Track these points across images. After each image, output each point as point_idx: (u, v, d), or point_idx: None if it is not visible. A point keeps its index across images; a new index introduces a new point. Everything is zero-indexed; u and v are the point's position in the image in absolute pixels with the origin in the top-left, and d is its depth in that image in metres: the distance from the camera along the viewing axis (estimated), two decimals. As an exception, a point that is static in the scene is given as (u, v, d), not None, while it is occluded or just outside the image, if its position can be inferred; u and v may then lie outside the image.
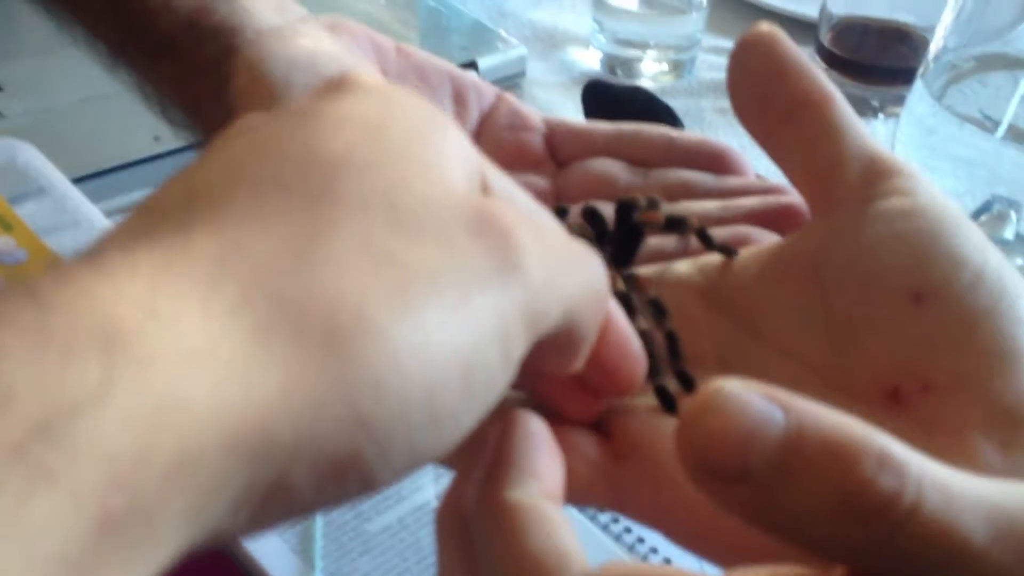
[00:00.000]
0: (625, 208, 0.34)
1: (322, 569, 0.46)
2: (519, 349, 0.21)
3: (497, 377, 0.21)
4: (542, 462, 0.24)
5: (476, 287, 0.20)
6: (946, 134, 0.64)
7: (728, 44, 0.87)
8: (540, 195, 0.41)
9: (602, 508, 0.29)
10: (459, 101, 0.45)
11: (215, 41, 0.40)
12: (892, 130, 0.73)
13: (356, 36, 0.43)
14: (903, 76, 0.78)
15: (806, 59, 0.31)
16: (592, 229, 0.35)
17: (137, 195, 0.67)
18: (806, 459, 0.20)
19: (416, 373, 0.19)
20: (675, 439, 0.21)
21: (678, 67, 0.84)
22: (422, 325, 0.19)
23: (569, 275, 0.23)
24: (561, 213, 0.36)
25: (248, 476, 0.17)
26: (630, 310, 0.31)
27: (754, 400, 0.21)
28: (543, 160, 0.44)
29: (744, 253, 0.33)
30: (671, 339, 0.32)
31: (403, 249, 0.20)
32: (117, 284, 0.17)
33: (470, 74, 0.45)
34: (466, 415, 0.21)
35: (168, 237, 0.19)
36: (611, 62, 0.84)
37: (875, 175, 0.29)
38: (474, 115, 0.45)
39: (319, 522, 0.47)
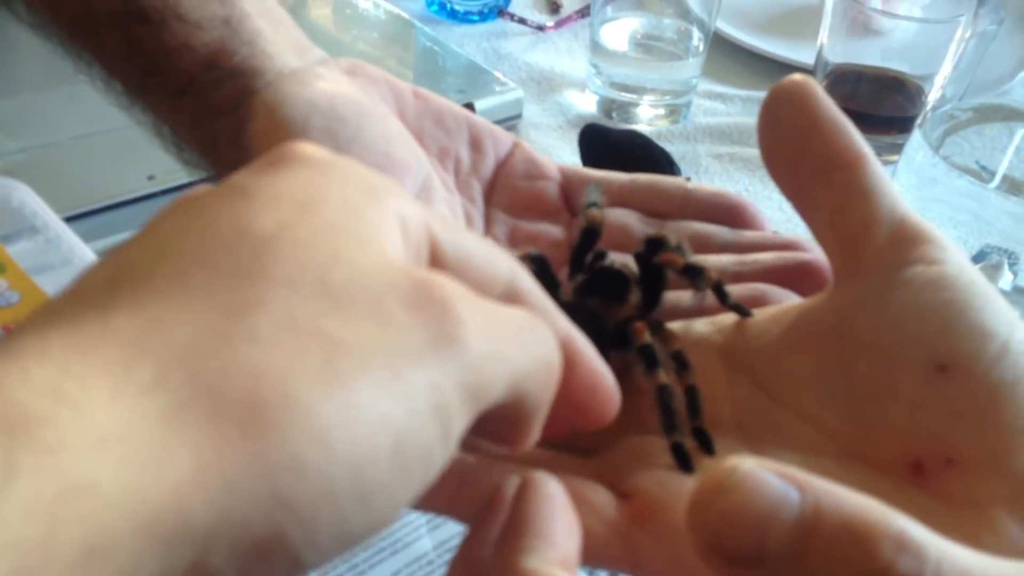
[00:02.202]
0: (654, 245, 0.34)
1: (316, 623, 0.45)
2: (459, 423, 0.21)
3: (435, 451, 0.21)
4: (559, 529, 0.24)
5: (409, 361, 0.20)
6: (944, 184, 0.64)
7: (724, 89, 0.88)
8: (555, 245, 0.41)
9: (617, 570, 0.28)
10: (476, 147, 0.44)
11: (234, 82, 0.40)
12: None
13: (375, 80, 0.42)
14: (898, 124, 0.78)
15: (840, 114, 0.31)
16: (637, 269, 0.35)
17: (129, 235, 0.67)
18: (824, 541, 0.20)
19: (342, 450, 0.19)
20: (687, 518, 0.20)
21: (674, 112, 0.84)
22: (349, 402, 0.19)
23: (517, 347, 0.23)
24: (599, 257, 0.36)
25: (164, 560, 0.17)
26: (652, 362, 0.31)
27: (769, 480, 0.20)
28: (558, 209, 0.44)
29: (761, 314, 0.33)
30: (691, 394, 0.31)
31: (333, 325, 0.19)
32: (25, 369, 0.17)
33: (487, 121, 0.45)
34: (400, 491, 0.20)
35: (86, 319, 0.18)
36: (607, 105, 0.84)
37: (904, 241, 0.29)
38: (490, 162, 0.45)
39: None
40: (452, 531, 0.48)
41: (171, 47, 0.41)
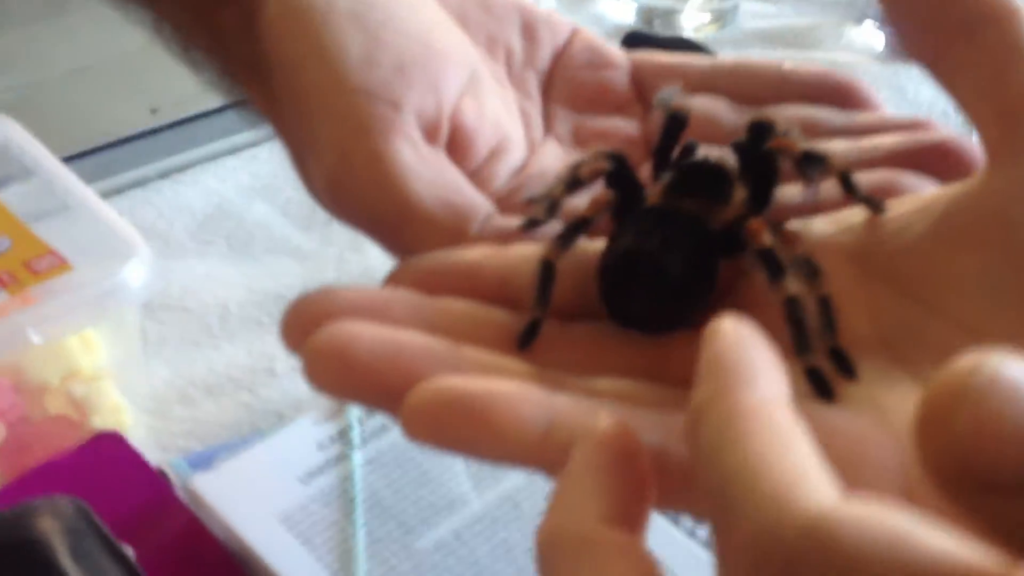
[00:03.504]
0: (759, 131, 0.28)
1: (367, 594, 0.39)
2: None
3: None
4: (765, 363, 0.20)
5: None
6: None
7: (775, -11, 0.81)
8: (628, 142, 0.34)
9: None
10: (529, 36, 0.38)
11: None
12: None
13: None
14: None
15: None
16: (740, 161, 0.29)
17: (134, 174, 0.61)
18: None
19: None
20: (916, 438, 0.16)
21: (721, 16, 0.77)
22: None
23: None
24: (688, 151, 0.29)
25: None
26: (777, 269, 0.25)
27: None
28: (629, 101, 0.37)
29: (897, 207, 0.27)
30: (824, 307, 0.25)
31: None
32: None
33: (542, 5, 0.38)
34: None
35: None
36: (647, 14, 0.77)
37: None
38: (547, 51, 0.38)
39: (361, 540, 0.41)
40: (500, 493, 0.43)
41: None
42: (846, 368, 0.25)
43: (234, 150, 0.63)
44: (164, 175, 0.62)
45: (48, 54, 0.67)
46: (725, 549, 0.18)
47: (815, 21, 0.77)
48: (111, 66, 0.64)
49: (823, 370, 0.25)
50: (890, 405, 0.24)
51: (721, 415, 0.19)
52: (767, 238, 0.26)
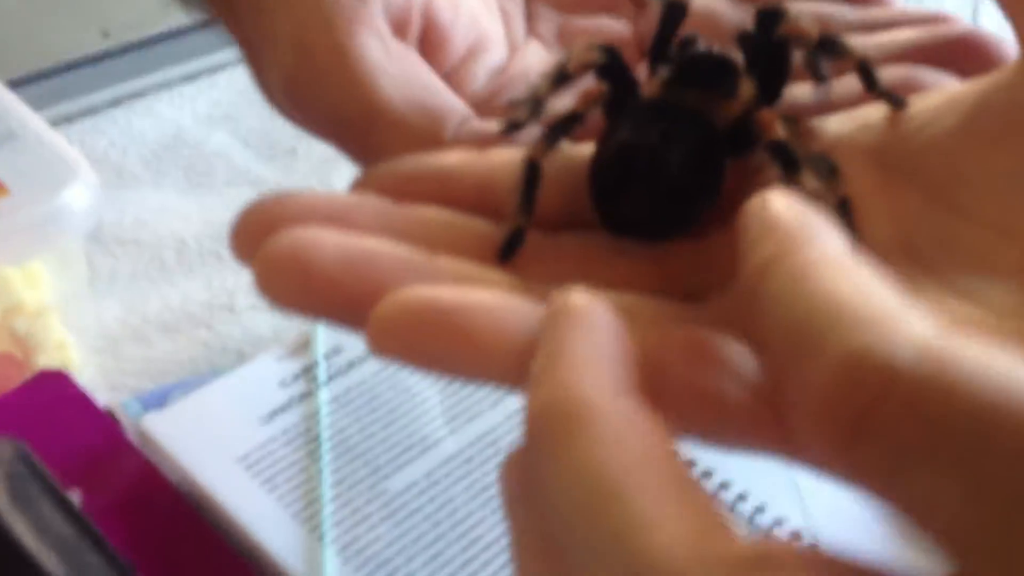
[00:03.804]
0: (768, 18, 0.25)
1: (333, 540, 0.37)
2: None
3: None
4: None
5: None
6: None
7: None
8: (619, 42, 0.31)
9: (768, 450, 0.20)
10: None
11: None
12: None
13: None
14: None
15: None
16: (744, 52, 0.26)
17: (86, 100, 0.57)
18: None
19: None
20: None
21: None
22: None
23: None
24: (688, 43, 0.26)
25: None
26: (792, 164, 0.22)
27: None
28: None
29: (919, 103, 0.25)
30: (844, 210, 0.22)
31: None
32: None
33: None
34: None
35: None
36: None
37: None
38: None
39: (327, 482, 0.38)
40: (476, 432, 0.40)
41: None
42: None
43: (191, 76, 0.60)
44: (116, 102, 0.58)
45: (-10, -27, 0.63)
46: (801, 388, 0.16)
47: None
48: (58, -14, 0.60)
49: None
50: None
51: (795, 265, 0.17)
52: (780, 130, 0.23)
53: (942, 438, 0.15)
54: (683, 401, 0.19)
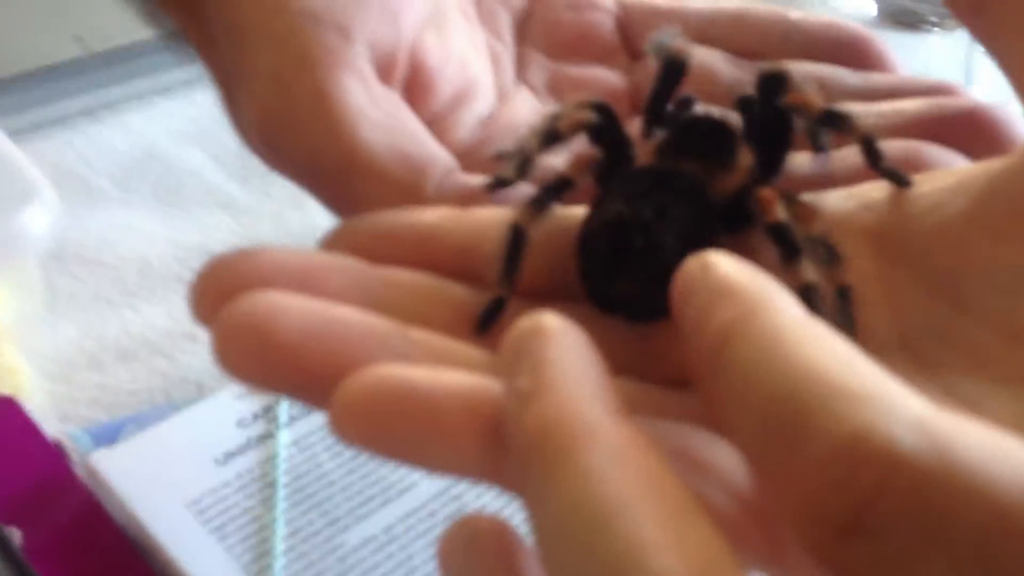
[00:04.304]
0: (770, 83, 0.23)
1: (285, 595, 0.35)
2: None
3: None
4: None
5: None
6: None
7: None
8: (612, 95, 0.30)
9: (752, 561, 0.19)
10: None
11: None
12: (953, 47, 0.63)
13: None
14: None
15: None
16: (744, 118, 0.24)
17: (56, 108, 0.55)
18: None
19: None
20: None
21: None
22: None
23: None
24: (686, 105, 0.25)
25: None
26: (793, 249, 0.21)
27: None
28: (614, 49, 0.33)
29: (926, 183, 0.23)
30: (844, 299, 0.21)
31: None
32: None
33: None
34: None
35: None
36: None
37: None
38: None
39: (280, 532, 0.36)
40: (441, 484, 0.38)
41: None
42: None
43: (167, 89, 0.58)
44: (87, 113, 0.56)
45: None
46: (785, 476, 0.15)
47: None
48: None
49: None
50: None
51: (765, 330, 0.16)
52: (781, 211, 0.21)
53: (949, 537, 0.13)
54: None
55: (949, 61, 0.62)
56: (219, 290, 0.20)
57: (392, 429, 0.18)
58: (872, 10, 0.71)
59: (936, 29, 0.68)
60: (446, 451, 0.18)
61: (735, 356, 0.16)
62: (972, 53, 0.57)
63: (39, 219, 0.39)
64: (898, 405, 0.14)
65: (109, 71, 0.56)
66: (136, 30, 0.56)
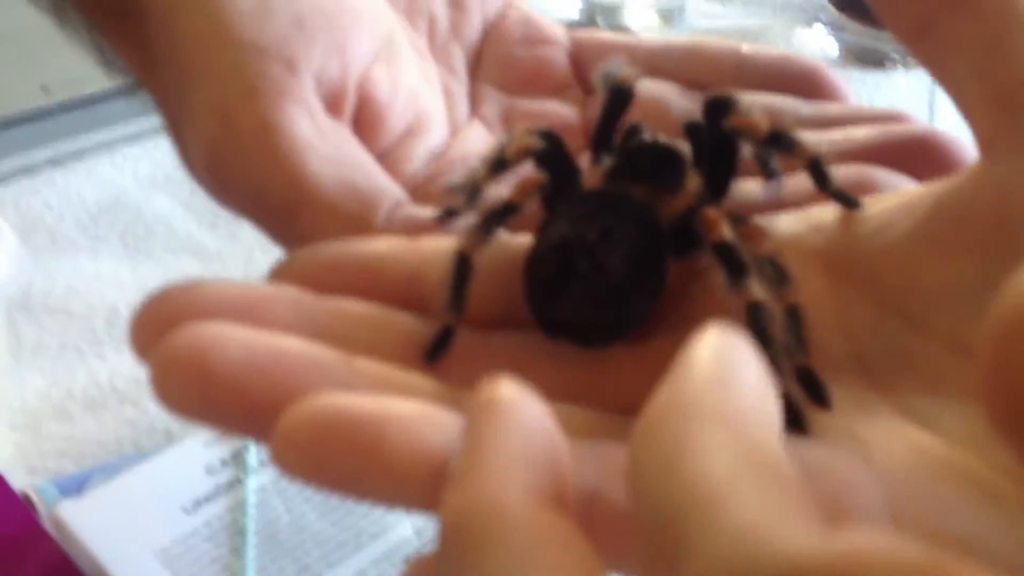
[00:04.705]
0: (716, 107, 0.23)
1: (256, 643, 0.34)
2: None
3: None
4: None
5: None
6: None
7: (725, -13, 0.77)
8: (566, 128, 0.30)
9: None
10: (456, 5, 0.34)
11: None
12: (916, 83, 0.63)
13: None
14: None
15: None
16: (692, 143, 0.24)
17: (23, 158, 0.55)
18: None
19: None
20: (984, 376, 0.13)
21: (668, 15, 0.73)
22: None
23: None
24: (633, 132, 0.25)
25: None
26: (739, 268, 0.20)
27: None
28: (567, 84, 0.33)
29: (875, 205, 0.23)
30: (794, 318, 0.21)
31: None
32: None
33: None
34: None
35: None
36: (591, 9, 0.73)
37: None
38: (475, 22, 0.34)
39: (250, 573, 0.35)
40: (415, 525, 0.38)
41: None
42: (818, 395, 0.21)
43: (134, 137, 0.57)
44: (54, 162, 0.56)
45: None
46: None
47: (765, 23, 0.74)
48: (-1, 39, 0.58)
49: (793, 396, 0.20)
50: (871, 439, 0.20)
51: (680, 422, 0.14)
52: (726, 230, 0.21)
53: None
54: (617, 534, 0.17)
55: (912, 98, 0.63)
56: (159, 322, 0.20)
57: (336, 459, 0.18)
58: (834, 49, 0.72)
59: (899, 66, 0.69)
60: (393, 482, 0.18)
61: (646, 451, 0.14)
62: (935, 89, 0.57)
63: (2, 266, 0.38)
64: (777, 542, 0.12)
65: (75, 120, 0.56)
66: (101, 80, 0.56)
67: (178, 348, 0.19)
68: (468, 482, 0.15)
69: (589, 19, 0.73)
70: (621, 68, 0.26)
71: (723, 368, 0.15)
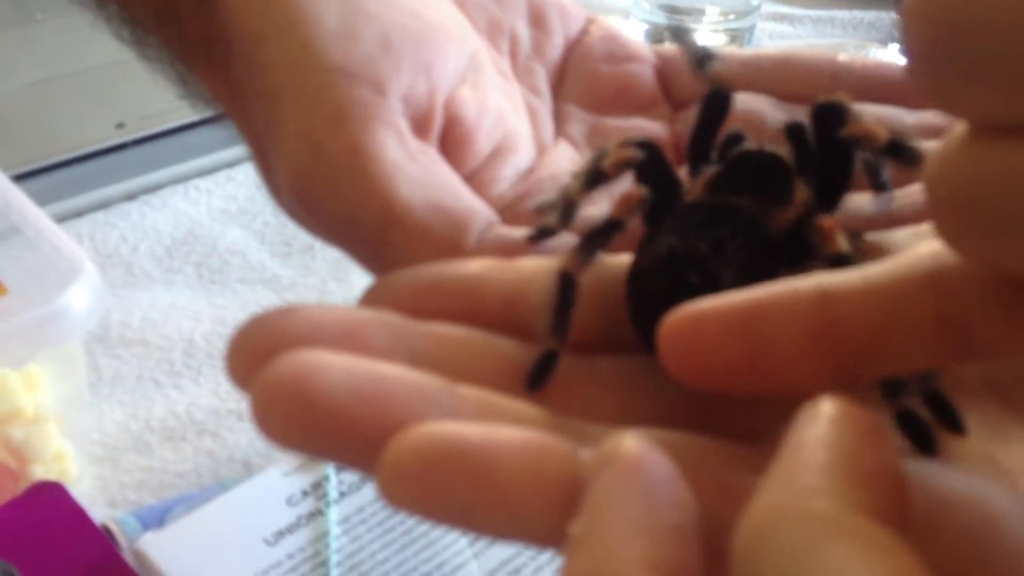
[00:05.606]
0: (828, 114, 0.22)
1: None
2: None
3: None
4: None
5: None
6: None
7: (790, 10, 0.76)
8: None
9: None
10: (537, 23, 0.33)
11: None
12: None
13: None
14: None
15: None
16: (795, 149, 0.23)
17: (99, 193, 0.55)
18: None
19: None
20: None
21: (736, 37, 0.72)
22: None
23: None
24: (735, 141, 0.24)
25: None
26: None
27: None
28: (655, 101, 0.32)
29: None
30: None
31: None
32: None
33: None
34: None
35: None
36: (657, 34, 0.72)
37: None
38: (558, 41, 0.33)
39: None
40: (501, 556, 0.37)
41: None
42: (950, 418, 0.19)
43: (207, 171, 0.58)
44: (130, 196, 0.56)
45: (10, 64, 0.62)
46: None
47: (837, 43, 0.73)
48: (76, 77, 0.59)
49: (917, 416, 0.19)
50: (1012, 465, 0.19)
51: (802, 530, 0.14)
52: (843, 242, 0.20)
53: None
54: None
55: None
56: (257, 351, 0.19)
57: (446, 491, 0.17)
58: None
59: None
60: (506, 514, 0.17)
61: (757, 554, 0.14)
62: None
63: (82, 298, 0.38)
64: None
65: (150, 155, 0.57)
66: (174, 116, 0.57)
67: (280, 377, 0.18)
68: (588, 550, 0.15)
69: (656, 43, 0.72)
70: (720, 63, 0.25)
71: (843, 455, 0.14)
